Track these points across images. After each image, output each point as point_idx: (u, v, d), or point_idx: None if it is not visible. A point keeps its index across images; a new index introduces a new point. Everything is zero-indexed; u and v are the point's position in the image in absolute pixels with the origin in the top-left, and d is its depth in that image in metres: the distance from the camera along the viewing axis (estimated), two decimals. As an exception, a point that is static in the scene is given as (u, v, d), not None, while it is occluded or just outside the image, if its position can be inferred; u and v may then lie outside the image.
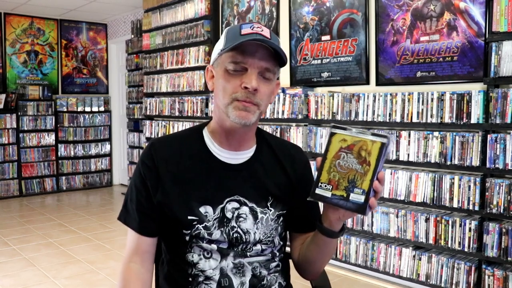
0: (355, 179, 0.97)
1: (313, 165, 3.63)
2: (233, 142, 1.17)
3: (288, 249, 1.28)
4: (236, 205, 1.14)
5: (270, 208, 1.17)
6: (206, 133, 1.20)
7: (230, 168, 1.17)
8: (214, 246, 1.12)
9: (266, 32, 1.08)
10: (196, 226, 1.11)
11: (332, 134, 1.00)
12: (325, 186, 0.99)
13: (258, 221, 1.15)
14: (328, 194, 0.99)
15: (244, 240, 1.13)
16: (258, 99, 1.09)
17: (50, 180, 6.57)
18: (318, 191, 1.00)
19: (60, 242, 4.15)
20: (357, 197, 0.97)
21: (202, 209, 1.12)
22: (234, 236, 1.13)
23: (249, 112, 1.08)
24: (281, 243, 1.22)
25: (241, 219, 1.14)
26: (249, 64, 1.07)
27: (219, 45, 1.13)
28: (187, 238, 1.12)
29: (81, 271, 3.43)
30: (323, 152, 1.01)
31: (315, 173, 1.03)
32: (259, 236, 1.15)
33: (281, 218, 1.19)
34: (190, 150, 1.18)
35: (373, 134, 0.97)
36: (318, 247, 1.14)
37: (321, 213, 1.09)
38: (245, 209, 1.14)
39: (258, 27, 1.09)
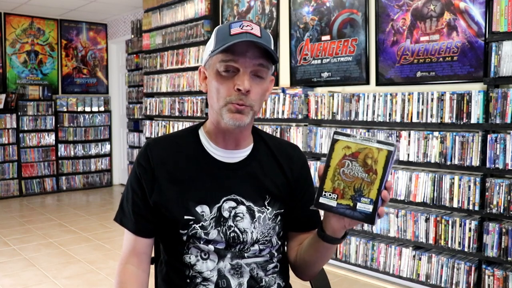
0: (361, 188, 0.93)
1: (311, 165, 3.59)
2: (230, 142, 1.16)
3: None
4: (233, 204, 1.13)
5: (267, 207, 1.15)
6: (202, 133, 1.19)
7: (227, 167, 1.16)
8: (211, 247, 1.11)
9: (256, 30, 1.06)
10: (193, 225, 1.10)
11: (335, 141, 0.96)
12: (330, 195, 0.95)
13: (255, 220, 1.13)
14: (333, 203, 0.95)
15: (241, 239, 1.12)
16: (250, 101, 1.07)
17: (50, 180, 6.57)
18: (322, 200, 0.96)
19: (60, 242, 4.15)
20: (364, 206, 0.93)
21: (198, 209, 1.11)
22: (231, 235, 1.11)
23: (243, 115, 1.07)
24: (279, 243, 1.21)
25: (238, 218, 1.12)
26: (240, 65, 1.05)
27: (210, 45, 1.10)
28: (184, 238, 1.11)
29: (81, 271, 3.43)
30: (325, 159, 0.97)
31: (314, 177, 1.00)
32: (256, 235, 1.13)
33: (279, 218, 1.17)
34: (186, 149, 1.17)
35: (379, 142, 0.93)
36: (318, 252, 1.11)
37: (323, 220, 1.05)
38: (242, 208, 1.13)
39: (247, 25, 1.06)
